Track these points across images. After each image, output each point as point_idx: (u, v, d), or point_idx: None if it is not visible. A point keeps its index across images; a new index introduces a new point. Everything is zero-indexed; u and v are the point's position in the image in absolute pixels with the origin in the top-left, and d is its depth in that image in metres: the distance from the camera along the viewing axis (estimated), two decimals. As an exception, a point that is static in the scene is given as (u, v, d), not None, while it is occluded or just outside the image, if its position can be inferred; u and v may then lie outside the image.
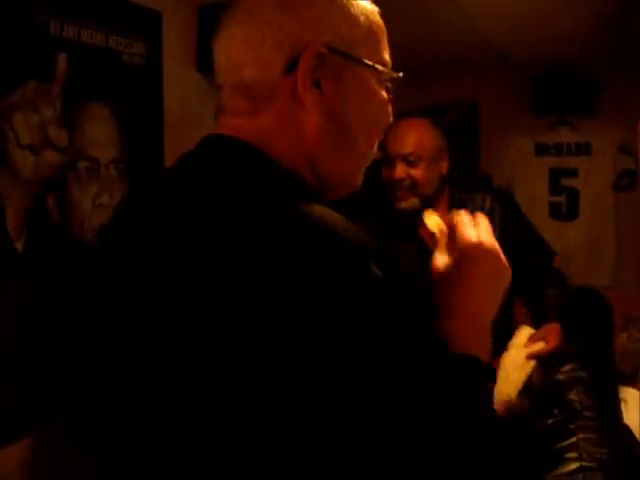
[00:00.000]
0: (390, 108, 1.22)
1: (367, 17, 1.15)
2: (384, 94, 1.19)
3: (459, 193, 2.87)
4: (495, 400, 2.49)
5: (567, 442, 1.95)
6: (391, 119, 1.23)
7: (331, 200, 1.16)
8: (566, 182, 5.41)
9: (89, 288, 1.12)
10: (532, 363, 2.50)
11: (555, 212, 5.46)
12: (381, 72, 1.17)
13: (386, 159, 2.73)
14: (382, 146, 2.69)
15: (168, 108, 2.96)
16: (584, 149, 5.40)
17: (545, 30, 4.20)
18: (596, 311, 3.80)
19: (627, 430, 2.12)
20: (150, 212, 1.03)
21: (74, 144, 2.46)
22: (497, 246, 1.30)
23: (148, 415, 0.96)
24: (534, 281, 2.89)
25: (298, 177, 1.10)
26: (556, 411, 2.08)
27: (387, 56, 1.20)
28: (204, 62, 3.17)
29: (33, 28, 2.31)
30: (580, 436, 1.95)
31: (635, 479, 1.94)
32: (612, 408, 2.16)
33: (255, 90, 1.10)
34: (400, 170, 2.70)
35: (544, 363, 2.49)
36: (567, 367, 2.25)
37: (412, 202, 2.73)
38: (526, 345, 2.56)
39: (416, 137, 2.73)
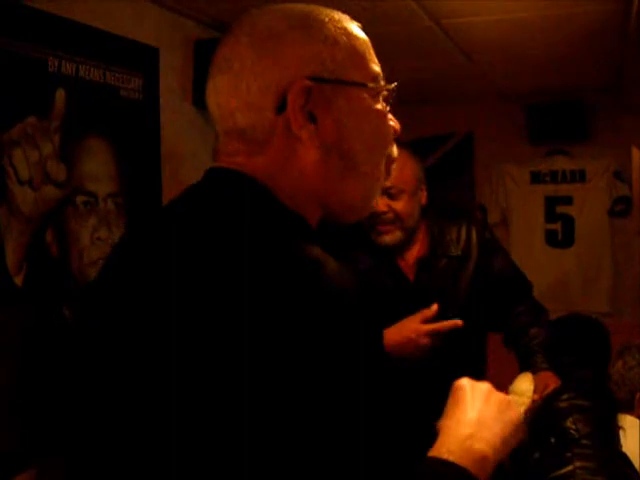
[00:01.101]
0: (390, 118, 1.21)
1: (347, 36, 1.14)
2: (381, 107, 1.18)
3: (437, 224, 2.85)
4: None
5: (564, 470, 1.95)
6: (395, 128, 1.22)
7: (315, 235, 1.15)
8: (561, 209, 5.44)
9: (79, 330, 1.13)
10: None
11: (551, 239, 5.49)
12: (372, 87, 1.16)
13: None
14: None
15: (165, 142, 2.99)
16: (579, 176, 5.43)
17: (539, 60, 4.24)
18: (593, 338, 3.81)
19: (625, 458, 2.12)
20: (146, 258, 1.04)
21: (72, 179, 2.48)
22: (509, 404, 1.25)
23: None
24: (513, 318, 2.88)
25: (298, 217, 1.10)
26: (553, 439, 2.09)
27: (376, 67, 1.19)
28: (200, 97, 3.19)
29: (32, 65, 2.34)
30: (577, 464, 1.95)
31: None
32: (610, 436, 2.16)
33: (249, 134, 1.10)
34: (382, 203, 2.63)
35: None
36: (565, 395, 2.26)
37: (396, 236, 2.70)
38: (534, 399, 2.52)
39: (397, 169, 2.63)
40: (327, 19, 1.15)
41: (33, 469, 2.33)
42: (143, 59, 2.88)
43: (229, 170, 1.12)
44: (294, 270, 0.94)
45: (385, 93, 1.20)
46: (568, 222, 5.44)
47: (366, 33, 1.23)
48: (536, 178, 5.51)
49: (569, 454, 2.00)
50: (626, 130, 5.30)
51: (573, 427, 2.10)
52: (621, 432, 2.27)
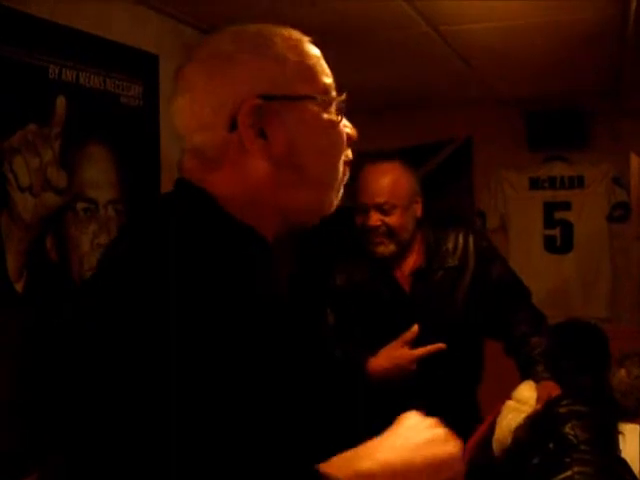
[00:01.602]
0: (346, 125, 1.28)
1: (296, 52, 1.20)
2: (332, 117, 1.24)
3: (434, 234, 2.83)
4: (495, 447, 2.51)
5: (562, 475, 1.95)
6: (350, 134, 1.29)
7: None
8: (560, 215, 5.45)
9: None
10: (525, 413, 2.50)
11: (550, 245, 5.50)
12: (322, 99, 1.22)
13: (359, 207, 2.68)
14: (354, 194, 2.66)
15: (165, 149, 2.99)
16: (577, 182, 5.44)
17: (537, 66, 4.25)
18: (592, 344, 3.81)
19: (624, 464, 2.12)
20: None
21: (72, 185, 2.49)
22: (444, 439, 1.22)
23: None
24: (514, 326, 2.88)
25: (243, 228, 1.17)
26: (552, 445, 2.09)
27: (327, 79, 1.24)
28: (200, 103, 3.22)
29: (32, 72, 2.35)
30: (575, 469, 1.95)
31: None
32: (609, 441, 2.17)
33: (206, 152, 1.18)
34: (375, 218, 2.64)
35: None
36: (563, 401, 2.26)
37: (390, 249, 2.69)
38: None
39: (389, 185, 2.65)
40: (277, 38, 1.21)
41: (36, 472, 2.33)
42: (143, 66, 2.89)
43: (186, 183, 1.21)
44: (189, 275, 1.02)
45: (336, 103, 1.25)
46: (567, 228, 5.45)
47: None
48: (535, 184, 5.52)
49: (568, 459, 2.00)
50: (625, 136, 5.32)
51: (572, 433, 2.10)
52: (620, 438, 2.27)
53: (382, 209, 2.63)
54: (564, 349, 3.13)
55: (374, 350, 2.63)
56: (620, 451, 2.16)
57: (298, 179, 1.20)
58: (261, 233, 1.19)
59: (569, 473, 1.96)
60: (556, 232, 5.47)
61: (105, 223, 2.64)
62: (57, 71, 2.44)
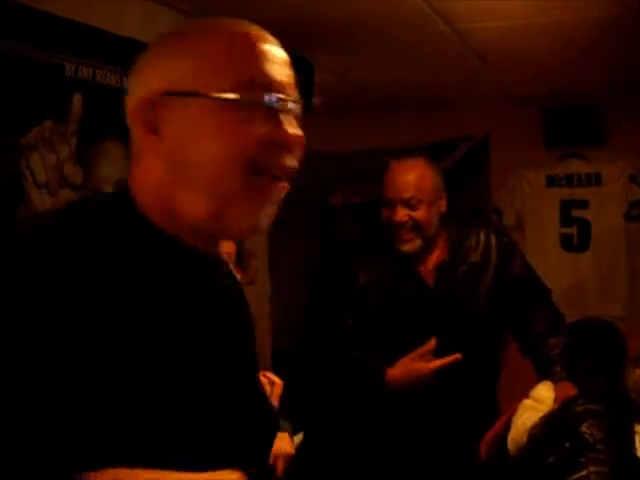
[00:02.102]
0: (254, 132, 1.11)
1: (220, 46, 1.12)
2: (237, 117, 1.10)
3: (456, 229, 2.86)
4: (510, 446, 2.52)
5: (578, 475, 1.95)
6: (275, 139, 1.14)
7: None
8: (577, 213, 5.43)
9: None
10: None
11: (566, 244, 5.48)
12: (227, 98, 1.10)
13: (386, 202, 2.72)
14: (381, 189, 2.75)
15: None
16: (594, 180, 5.42)
17: (554, 63, 4.24)
18: (609, 343, 3.80)
19: (639, 463, 2.12)
20: None
21: (89, 182, 2.50)
22: None
23: None
24: (532, 325, 2.88)
25: (146, 227, 1.14)
26: (568, 444, 2.09)
27: (243, 77, 1.11)
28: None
29: (49, 69, 2.36)
30: (591, 469, 1.95)
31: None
32: (625, 441, 2.16)
33: (131, 147, 1.18)
34: (402, 213, 2.68)
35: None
36: (579, 400, 2.25)
37: (416, 244, 2.72)
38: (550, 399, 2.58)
39: (416, 180, 2.71)
40: (210, 32, 1.16)
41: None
42: (159, 63, 2.89)
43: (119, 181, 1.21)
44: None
45: (254, 101, 1.12)
46: (584, 226, 5.42)
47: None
48: (552, 182, 5.50)
49: (583, 459, 1.99)
50: (642, 133, 5.29)
51: (588, 432, 2.09)
52: (637, 437, 2.26)
53: (409, 204, 2.67)
54: (580, 347, 3.12)
55: (396, 347, 2.68)
56: (636, 450, 2.15)
57: (184, 180, 1.12)
58: (175, 235, 1.14)
59: (585, 472, 1.96)
60: (573, 230, 5.45)
61: (121, 220, 2.65)
62: (73, 69, 2.45)
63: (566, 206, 5.45)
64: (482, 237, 2.86)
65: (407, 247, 2.72)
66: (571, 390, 2.57)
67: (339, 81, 4.49)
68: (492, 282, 2.81)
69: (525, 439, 2.42)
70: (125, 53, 2.69)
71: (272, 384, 2.03)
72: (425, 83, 4.72)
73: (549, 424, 2.29)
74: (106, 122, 2.60)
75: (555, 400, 2.53)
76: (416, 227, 2.69)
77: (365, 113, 5.57)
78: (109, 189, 2.58)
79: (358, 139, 5.65)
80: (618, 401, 2.31)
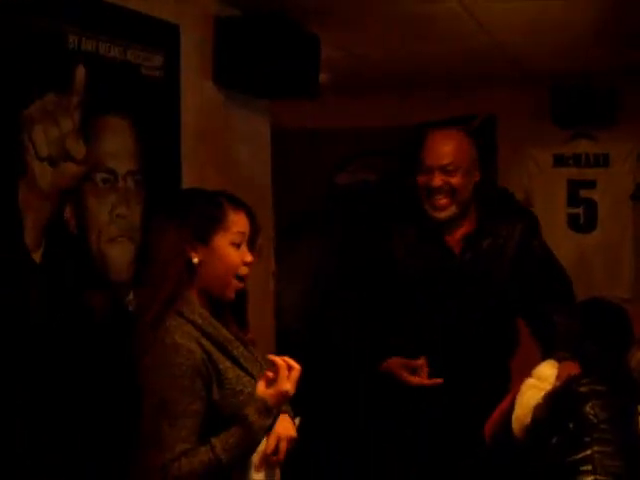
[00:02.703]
0: None
1: None
2: None
3: (486, 205, 2.97)
4: (514, 426, 2.53)
5: (582, 455, 1.94)
6: None
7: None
8: (584, 193, 5.40)
9: None
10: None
11: (573, 224, 5.44)
12: None
13: (424, 169, 2.83)
14: (419, 156, 2.88)
15: (185, 120, 2.98)
16: (602, 160, 5.38)
17: (563, 41, 4.20)
18: (614, 323, 3.78)
19: (643, 443, 2.11)
20: None
21: (92, 156, 2.48)
22: None
23: None
24: (543, 309, 2.93)
25: None
26: (571, 424, 2.07)
27: None
28: (221, 75, 3.19)
29: (51, 41, 2.33)
30: (595, 449, 1.94)
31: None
32: (628, 421, 2.15)
33: None
34: (438, 179, 2.79)
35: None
36: (583, 380, 2.24)
37: (451, 211, 2.83)
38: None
39: (454, 148, 2.83)
40: None
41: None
42: (164, 37, 2.87)
43: None
44: None
45: None
46: (591, 206, 5.39)
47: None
48: (559, 161, 5.46)
49: (587, 439, 1.99)
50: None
51: (592, 412, 2.08)
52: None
53: (446, 170, 2.79)
54: (588, 328, 3.11)
55: (419, 315, 2.86)
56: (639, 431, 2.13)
57: None
58: None
59: (589, 452, 1.95)
60: (580, 210, 5.42)
61: (124, 194, 2.63)
62: (76, 41, 2.43)
63: (573, 186, 5.42)
64: (509, 213, 3.03)
65: (442, 214, 2.83)
66: (574, 369, 2.57)
67: (346, 57, 4.45)
68: (514, 259, 2.90)
69: (529, 418, 2.42)
70: (129, 26, 2.67)
71: (290, 369, 2.07)
72: (434, 60, 4.68)
73: (553, 404, 2.27)
74: (109, 95, 2.58)
75: (557, 378, 2.53)
76: (452, 193, 2.80)
77: (372, 91, 5.54)
78: (113, 163, 2.57)
79: (365, 117, 5.62)
80: (622, 382, 2.30)
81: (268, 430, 2.07)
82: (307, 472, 2.35)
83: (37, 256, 2.26)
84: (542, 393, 2.45)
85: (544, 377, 2.58)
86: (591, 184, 5.41)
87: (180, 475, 1.94)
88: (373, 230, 3.09)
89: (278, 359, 2.05)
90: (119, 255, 2.61)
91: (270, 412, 2.04)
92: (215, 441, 1.98)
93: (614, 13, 3.57)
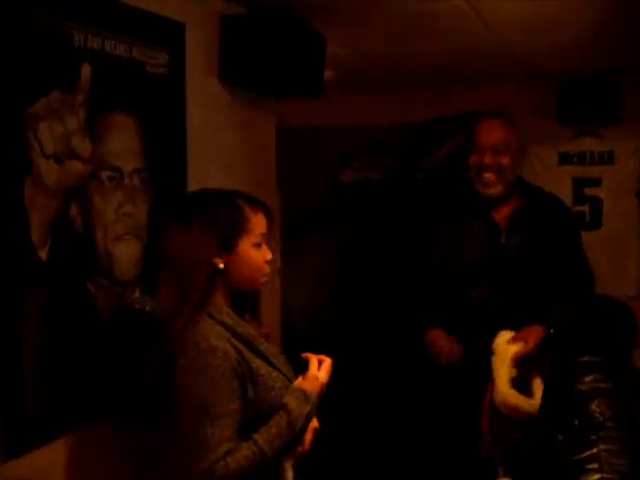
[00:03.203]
0: None
1: None
2: None
3: (532, 191, 3.37)
4: (497, 402, 2.73)
5: (588, 453, 1.94)
6: None
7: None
8: (589, 191, 5.39)
9: None
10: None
11: (579, 222, 5.43)
12: None
13: (477, 148, 3.24)
14: (472, 137, 3.31)
15: (191, 118, 2.98)
16: (607, 158, 5.37)
17: (568, 39, 4.19)
18: (619, 321, 3.77)
19: (650, 441, 2.10)
20: None
21: (97, 154, 2.48)
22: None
23: None
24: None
25: None
26: (577, 422, 2.07)
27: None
28: (226, 72, 3.19)
29: (57, 39, 2.33)
30: (601, 447, 1.94)
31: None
32: (634, 419, 2.14)
33: None
34: (489, 157, 3.19)
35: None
36: (588, 378, 2.24)
37: (498, 189, 3.22)
38: (509, 342, 2.85)
39: (505, 133, 3.26)
40: None
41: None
42: (169, 34, 2.87)
43: None
44: None
45: None
46: (596, 204, 5.38)
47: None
48: (564, 159, 5.46)
49: (594, 437, 1.98)
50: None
51: (598, 410, 2.08)
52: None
53: (497, 150, 3.21)
54: (594, 325, 3.11)
55: (462, 284, 3.16)
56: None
57: None
58: None
59: (595, 450, 1.95)
60: (585, 208, 5.41)
61: (130, 192, 2.63)
62: (82, 38, 2.42)
63: (579, 184, 5.41)
64: (554, 199, 3.44)
65: (491, 190, 3.22)
66: (533, 332, 2.83)
67: (351, 55, 4.45)
68: (551, 243, 3.23)
69: (509, 389, 2.67)
70: (135, 24, 2.67)
71: (321, 362, 2.27)
72: (439, 58, 4.67)
73: (557, 403, 2.27)
74: (115, 93, 2.58)
75: (514, 338, 2.81)
76: (500, 171, 3.20)
77: (377, 88, 5.54)
78: (118, 161, 2.58)
79: (370, 114, 5.62)
80: (628, 379, 2.30)
81: (308, 419, 2.19)
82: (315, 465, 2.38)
83: (43, 254, 2.26)
84: (504, 353, 2.76)
85: (499, 349, 2.84)
86: (596, 182, 5.40)
87: (228, 473, 2.01)
88: (401, 223, 3.55)
89: (311, 355, 2.27)
90: (125, 253, 2.61)
91: (308, 399, 2.18)
92: (256, 435, 2.07)
93: (618, 12, 3.57)
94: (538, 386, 2.77)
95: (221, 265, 2.17)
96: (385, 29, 3.91)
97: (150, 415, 2.26)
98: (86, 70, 2.43)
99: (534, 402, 2.67)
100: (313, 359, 2.25)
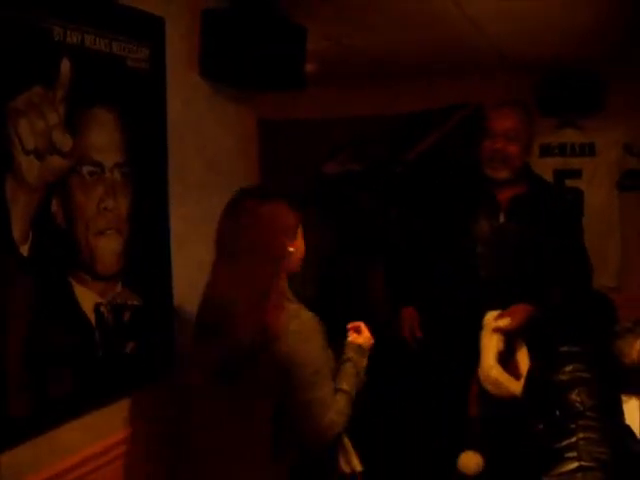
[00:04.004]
0: None
1: None
2: None
3: (538, 179, 3.49)
4: (482, 380, 2.87)
5: (567, 442, 1.96)
6: None
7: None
8: (570, 183, 5.41)
9: None
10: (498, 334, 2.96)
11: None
12: None
13: (489, 134, 3.38)
14: (486, 123, 3.46)
15: (172, 112, 2.97)
16: (588, 149, 5.40)
17: (549, 30, 4.20)
18: (601, 312, 3.80)
19: (628, 430, 2.12)
20: None
21: (78, 149, 2.47)
22: None
23: None
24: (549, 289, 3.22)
25: None
26: (557, 412, 2.09)
27: None
28: (207, 66, 3.19)
29: (36, 34, 2.32)
30: (580, 436, 1.96)
31: (634, 478, 1.94)
32: (614, 408, 2.16)
33: None
34: (500, 143, 3.33)
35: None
36: (569, 367, 2.26)
37: (504, 173, 3.35)
38: (496, 319, 3.02)
39: (517, 119, 3.38)
40: None
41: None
42: (150, 29, 2.86)
43: None
44: None
45: None
46: (577, 196, 5.41)
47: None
48: (545, 151, 5.47)
49: (573, 426, 2.01)
50: (637, 103, 5.26)
51: (577, 400, 2.10)
52: (624, 406, 2.26)
53: (508, 136, 3.34)
54: (572, 316, 3.14)
55: (463, 255, 3.34)
56: (624, 418, 2.15)
57: None
58: None
59: (573, 439, 1.97)
60: (566, 200, 5.43)
61: (111, 187, 2.63)
62: (62, 33, 2.41)
63: (560, 175, 5.43)
64: (557, 189, 3.77)
65: (498, 174, 3.36)
66: (520, 309, 3.04)
67: (333, 48, 4.45)
68: (552, 230, 3.32)
69: (493, 362, 2.83)
70: (115, 18, 2.66)
71: (358, 327, 2.64)
72: (420, 50, 4.68)
73: (538, 392, 2.29)
74: (95, 88, 2.57)
75: (500, 314, 3.00)
76: (508, 157, 3.32)
77: (359, 81, 5.54)
78: (99, 156, 2.57)
79: (352, 107, 5.63)
80: (607, 369, 2.32)
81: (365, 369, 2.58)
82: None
83: (25, 250, 2.26)
84: (492, 337, 2.90)
85: (486, 322, 3.02)
86: (577, 173, 5.42)
87: (342, 421, 2.41)
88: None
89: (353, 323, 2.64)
90: (107, 248, 2.61)
91: (364, 352, 2.58)
92: (341, 385, 2.45)
93: (599, 3, 3.58)
94: (523, 366, 2.84)
95: (291, 249, 2.47)
96: (366, 22, 3.92)
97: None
98: (66, 65, 2.42)
99: (517, 383, 2.72)
100: (356, 324, 2.63)
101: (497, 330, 2.98)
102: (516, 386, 2.71)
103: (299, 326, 2.36)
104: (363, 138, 5.85)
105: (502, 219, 3.37)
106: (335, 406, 2.37)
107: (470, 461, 2.95)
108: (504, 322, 2.97)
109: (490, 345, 2.92)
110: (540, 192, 3.44)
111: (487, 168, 3.40)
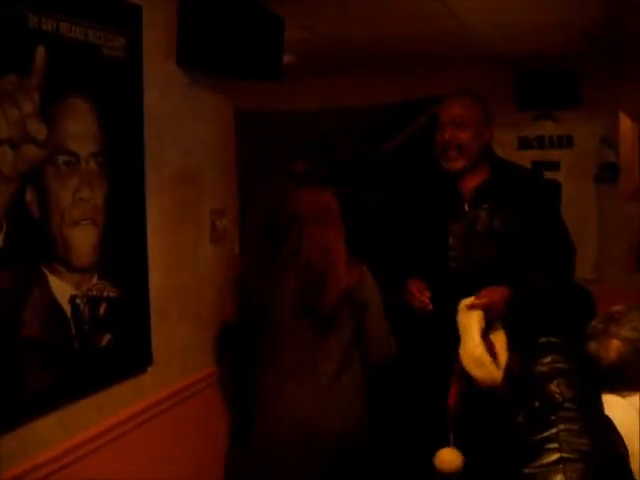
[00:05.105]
0: None
1: None
2: None
3: (503, 165, 3.44)
4: (464, 360, 2.89)
5: (547, 433, 1.95)
6: None
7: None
8: (548, 175, 5.43)
9: None
10: (476, 311, 2.99)
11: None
12: None
13: (439, 126, 3.32)
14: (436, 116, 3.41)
15: (148, 102, 2.94)
16: (566, 142, 5.42)
17: (527, 24, 4.21)
18: (579, 304, 3.82)
19: (608, 421, 2.12)
20: None
21: (53, 138, 2.44)
22: None
23: None
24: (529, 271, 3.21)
25: None
26: (537, 403, 2.08)
27: None
28: (184, 56, 3.16)
29: (10, 21, 2.28)
30: (561, 427, 1.95)
31: (615, 469, 1.94)
32: (593, 399, 2.16)
33: None
34: (449, 133, 3.26)
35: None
36: (548, 359, 2.25)
37: (459, 164, 3.27)
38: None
39: (463, 105, 3.31)
40: None
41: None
42: (126, 17, 2.83)
43: None
44: None
45: None
46: (555, 187, 5.42)
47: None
48: (523, 143, 5.49)
49: (553, 417, 2.00)
50: (615, 96, 5.28)
51: (557, 391, 2.09)
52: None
53: (455, 123, 3.26)
54: (551, 307, 3.15)
55: (430, 249, 3.34)
56: (604, 409, 2.15)
57: None
58: None
59: (554, 431, 1.96)
60: (544, 192, 5.45)
61: (87, 177, 2.59)
62: (36, 21, 2.38)
63: (537, 167, 5.45)
64: (522, 173, 3.53)
65: (452, 165, 3.29)
66: (497, 290, 3.04)
67: (310, 38, 4.43)
68: (521, 211, 3.26)
69: (478, 338, 2.86)
70: (91, 6, 2.62)
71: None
72: (398, 41, 4.67)
73: (517, 384, 2.29)
74: (71, 77, 2.54)
75: (477, 295, 3.02)
76: (460, 146, 3.25)
77: (337, 72, 5.52)
78: (74, 145, 2.54)
79: (330, 98, 5.61)
80: (586, 360, 2.32)
81: None
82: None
83: (-1, 240, 2.23)
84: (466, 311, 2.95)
85: (461, 307, 3.02)
86: (555, 165, 5.44)
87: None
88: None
89: None
90: (82, 239, 2.58)
91: None
92: None
93: (576, 1, 3.60)
94: (499, 347, 2.86)
95: None
96: (343, 13, 3.91)
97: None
98: (40, 53, 2.39)
99: (498, 370, 2.73)
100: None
101: (472, 307, 2.98)
102: (497, 373, 2.71)
103: (370, 279, 3.23)
104: (339, 130, 5.84)
105: (467, 209, 3.31)
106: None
107: (448, 457, 2.94)
108: (479, 299, 2.97)
109: (471, 323, 2.93)
110: (506, 177, 3.35)
111: (443, 161, 3.32)
